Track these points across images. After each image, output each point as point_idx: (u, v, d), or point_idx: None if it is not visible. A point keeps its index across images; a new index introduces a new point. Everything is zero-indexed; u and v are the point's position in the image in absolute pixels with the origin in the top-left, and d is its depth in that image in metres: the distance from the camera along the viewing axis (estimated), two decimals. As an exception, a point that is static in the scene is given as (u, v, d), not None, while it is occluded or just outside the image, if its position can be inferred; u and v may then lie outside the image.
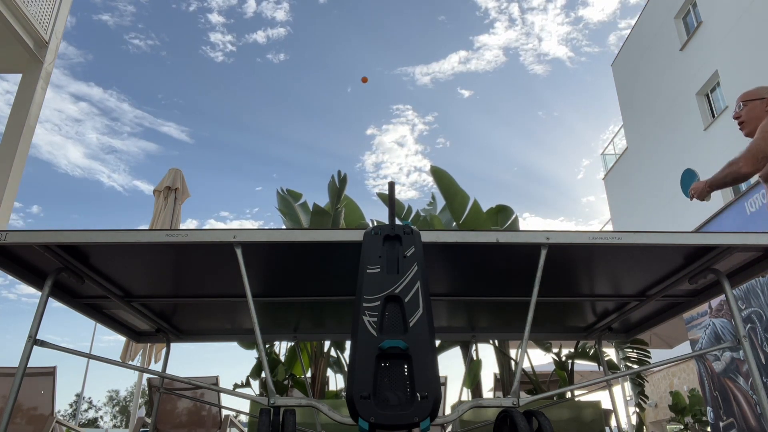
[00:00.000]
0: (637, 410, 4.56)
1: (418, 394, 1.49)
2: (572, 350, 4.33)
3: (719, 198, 14.45)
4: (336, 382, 5.13)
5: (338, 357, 4.82)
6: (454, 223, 4.92)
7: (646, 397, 4.55)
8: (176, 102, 78.07)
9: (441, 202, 5.81)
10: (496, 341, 4.32)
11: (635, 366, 4.49)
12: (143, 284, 2.19)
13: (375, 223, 5.36)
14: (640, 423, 4.58)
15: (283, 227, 5.08)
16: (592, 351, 4.43)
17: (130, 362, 5.47)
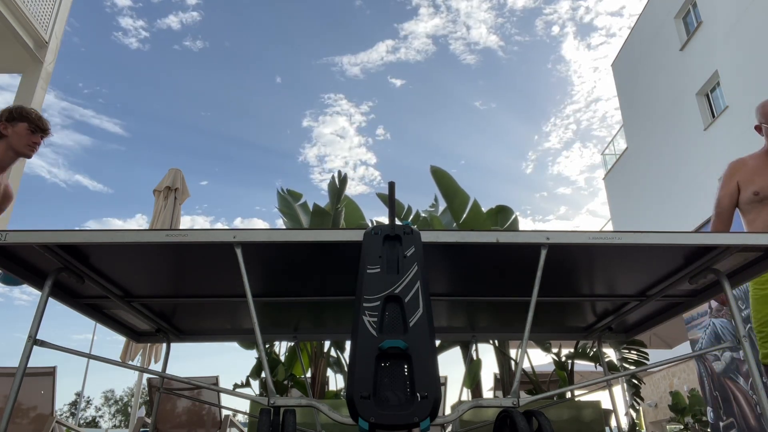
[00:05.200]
0: (631, 411, 4.56)
1: (418, 394, 1.49)
2: (572, 350, 4.33)
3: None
4: (336, 382, 5.12)
5: (338, 357, 4.82)
6: (455, 224, 4.92)
7: (641, 399, 4.54)
8: (100, 91, 73.29)
9: (443, 204, 5.81)
10: (496, 341, 4.32)
11: (632, 367, 4.49)
12: (143, 284, 2.19)
13: (375, 223, 5.36)
14: (633, 425, 4.57)
15: (283, 227, 5.08)
16: (592, 351, 4.43)
17: (130, 362, 5.47)
